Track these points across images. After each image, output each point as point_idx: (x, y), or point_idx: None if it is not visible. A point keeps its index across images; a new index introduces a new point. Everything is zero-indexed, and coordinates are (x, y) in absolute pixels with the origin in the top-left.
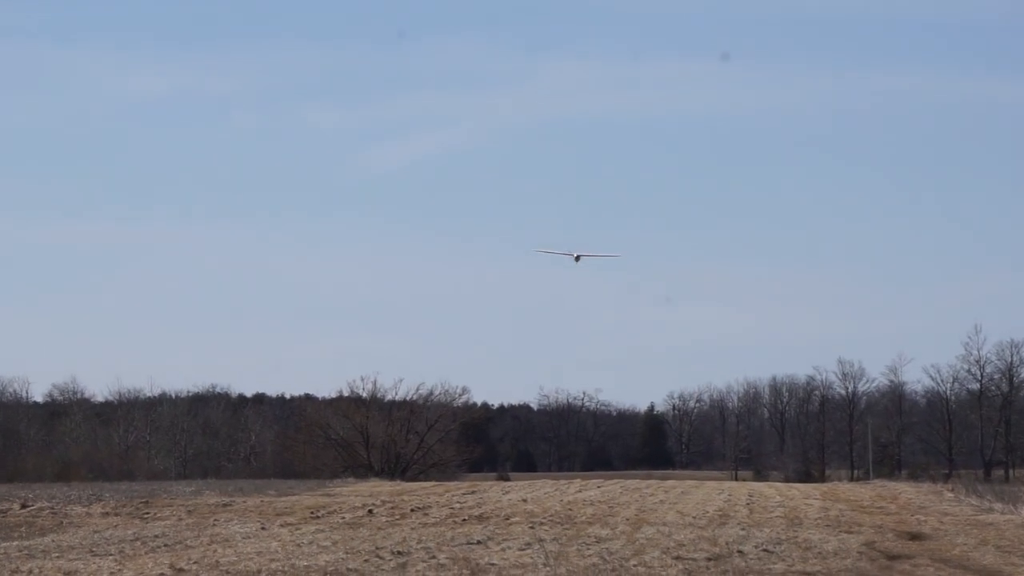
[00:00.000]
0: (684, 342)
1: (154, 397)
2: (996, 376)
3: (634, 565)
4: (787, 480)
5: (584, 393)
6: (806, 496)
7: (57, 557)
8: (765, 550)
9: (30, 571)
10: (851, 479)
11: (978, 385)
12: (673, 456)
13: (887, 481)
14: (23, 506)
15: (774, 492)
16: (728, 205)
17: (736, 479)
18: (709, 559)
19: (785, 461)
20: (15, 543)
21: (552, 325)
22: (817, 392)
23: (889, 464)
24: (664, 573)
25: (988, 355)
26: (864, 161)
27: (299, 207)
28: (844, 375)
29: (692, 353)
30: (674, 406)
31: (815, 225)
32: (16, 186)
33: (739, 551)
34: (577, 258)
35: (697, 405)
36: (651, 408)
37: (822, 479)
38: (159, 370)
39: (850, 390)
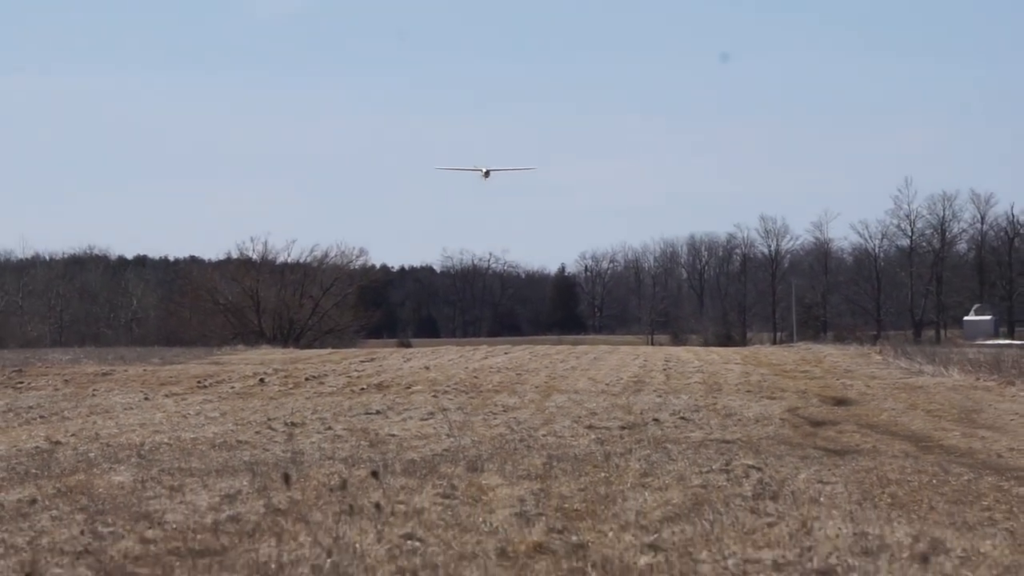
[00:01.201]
0: (596, 200)
1: (26, 259)
2: (927, 232)
3: (543, 435)
4: (706, 344)
5: (490, 254)
6: (726, 361)
7: None
8: (682, 418)
9: None
10: (774, 342)
11: (908, 241)
12: (585, 320)
13: (812, 344)
14: None
15: (692, 357)
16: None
17: (652, 344)
18: (623, 428)
19: (704, 324)
20: None
21: (455, 181)
22: (738, 251)
23: (814, 326)
24: (576, 443)
25: (919, 209)
26: (792, 5)
27: (182, 56)
28: (767, 232)
29: (605, 212)
30: (586, 267)
31: (736, 73)
32: None
33: (655, 419)
34: (486, 174)
35: (611, 266)
36: (562, 269)
37: (743, 343)
38: (31, 230)
39: (773, 248)
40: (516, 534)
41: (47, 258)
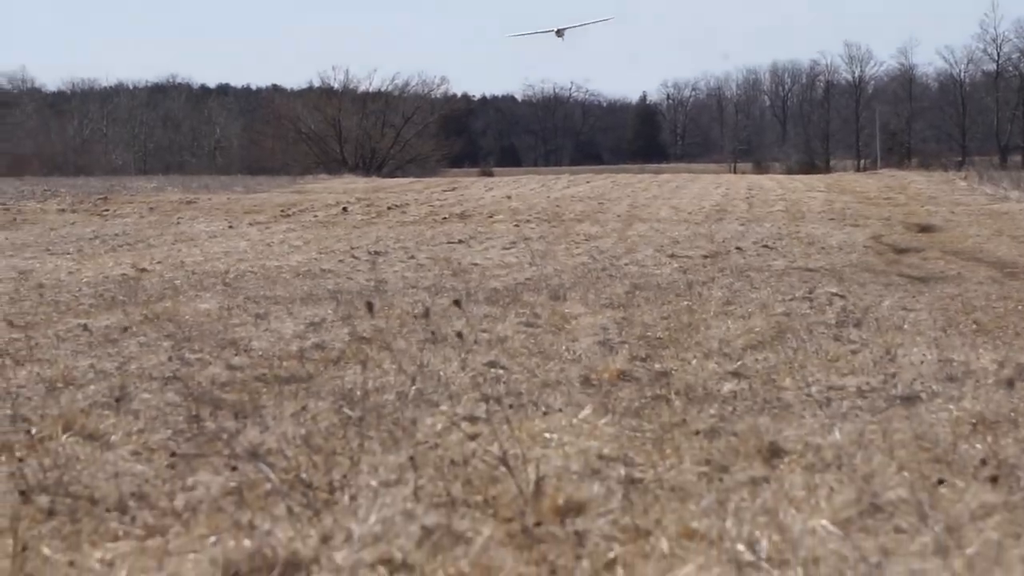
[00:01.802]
0: (679, 26)
1: (110, 87)
2: (1014, 56)
3: (625, 264)
4: (789, 172)
5: (572, 83)
6: (809, 188)
7: (11, 255)
8: (765, 246)
9: None
10: (857, 169)
11: (994, 66)
12: (667, 149)
13: (896, 171)
14: None
15: (775, 185)
16: None
17: (735, 172)
18: (705, 256)
19: (787, 152)
20: None
21: (538, 6)
22: (821, 78)
23: (898, 153)
24: (658, 271)
25: (1006, 33)
26: None
27: None
28: (850, 59)
29: (687, 39)
30: (668, 95)
31: None
32: None
33: (737, 248)
34: (559, 33)
35: (693, 94)
36: (643, 98)
37: (827, 170)
38: (115, 59)
39: (857, 75)
40: (599, 362)
41: (130, 87)
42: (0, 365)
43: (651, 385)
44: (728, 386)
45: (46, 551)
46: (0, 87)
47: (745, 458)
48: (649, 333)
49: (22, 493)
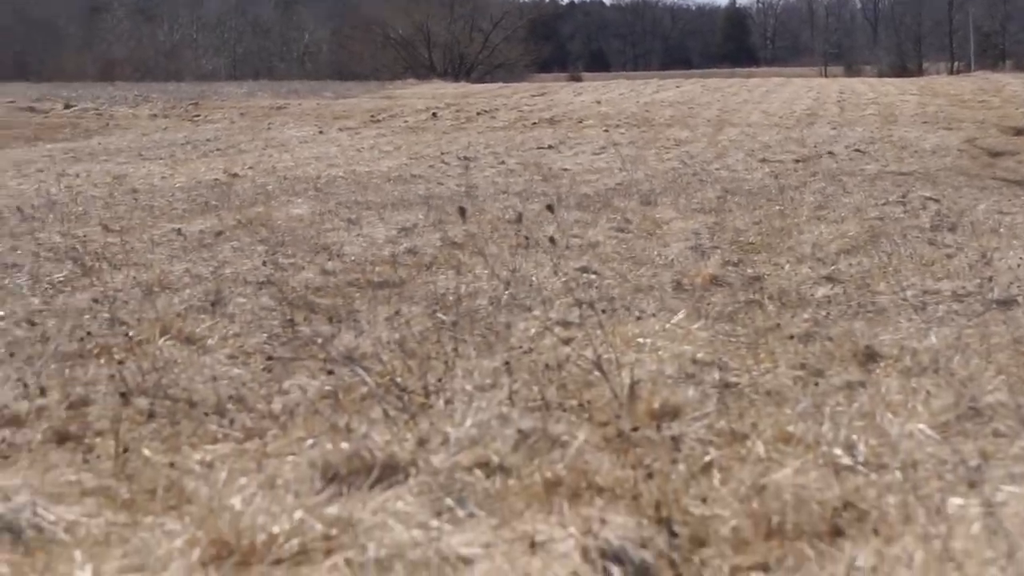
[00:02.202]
0: None
1: None
2: None
3: (716, 169)
4: (881, 75)
5: None
6: (901, 92)
7: (105, 160)
8: (857, 150)
9: (77, 174)
10: (951, 72)
11: None
12: (757, 52)
13: (990, 73)
14: (67, 106)
15: (867, 88)
16: None
17: (825, 76)
18: (797, 161)
19: (879, 55)
20: (60, 145)
21: None
22: None
23: (992, 55)
24: (749, 176)
25: None
26: None
27: None
28: None
29: None
30: None
31: None
32: None
33: (829, 152)
34: None
35: None
36: (732, 1)
37: (919, 73)
38: None
39: None
40: (691, 267)
41: None
42: (97, 269)
43: (744, 290)
44: (822, 291)
45: (147, 452)
46: None
47: (840, 362)
48: (741, 238)
49: (122, 395)
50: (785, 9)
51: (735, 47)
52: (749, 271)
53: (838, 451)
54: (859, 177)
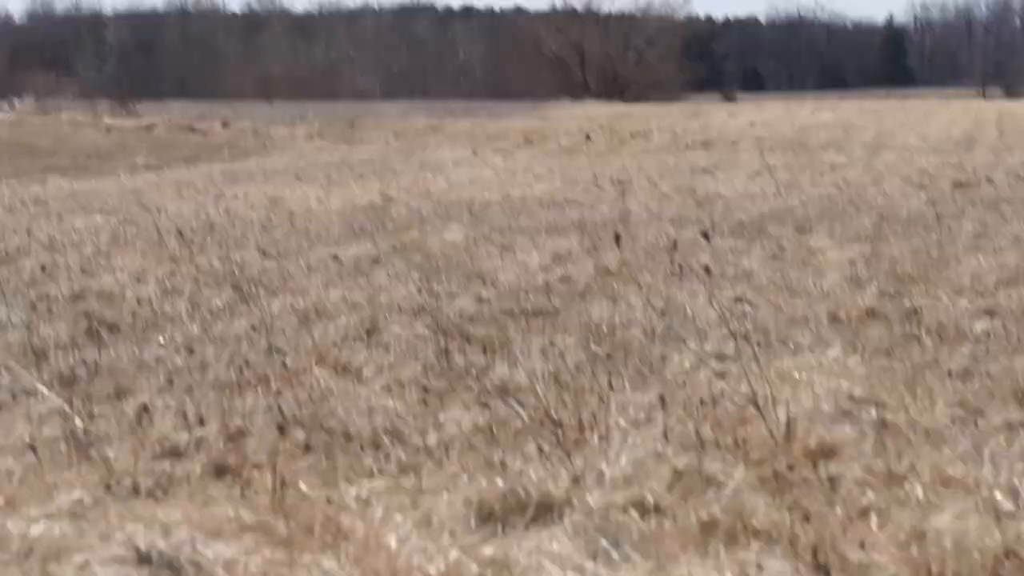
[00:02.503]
0: None
1: (356, 9)
2: None
3: (872, 194)
4: None
5: (816, 3)
6: None
7: (262, 182)
8: (1018, 176)
9: (235, 196)
10: None
11: None
12: (914, 73)
13: None
14: (224, 126)
15: None
16: None
17: (984, 97)
18: (955, 187)
19: None
20: (219, 166)
21: None
22: None
23: None
24: (905, 202)
25: None
26: None
27: None
28: None
29: None
30: (915, 16)
31: None
32: None
33: (988, 178)
34: None
35: (941, 15)
36: (890, 19)
37: None
38: None
39: None
40: (847, 298)
41: (376, 8)
42: (255, 295)
43: (901, 323)
44: (981, 324)
45: (304, 487)
46: (250, 8)
47: (1001, 401)
48: (898, 268)
49: (279, 427)
50: (943, 28)
51: (892, 66)
52: (906, 303)
53: (999, 495)
54: (1019, 205)
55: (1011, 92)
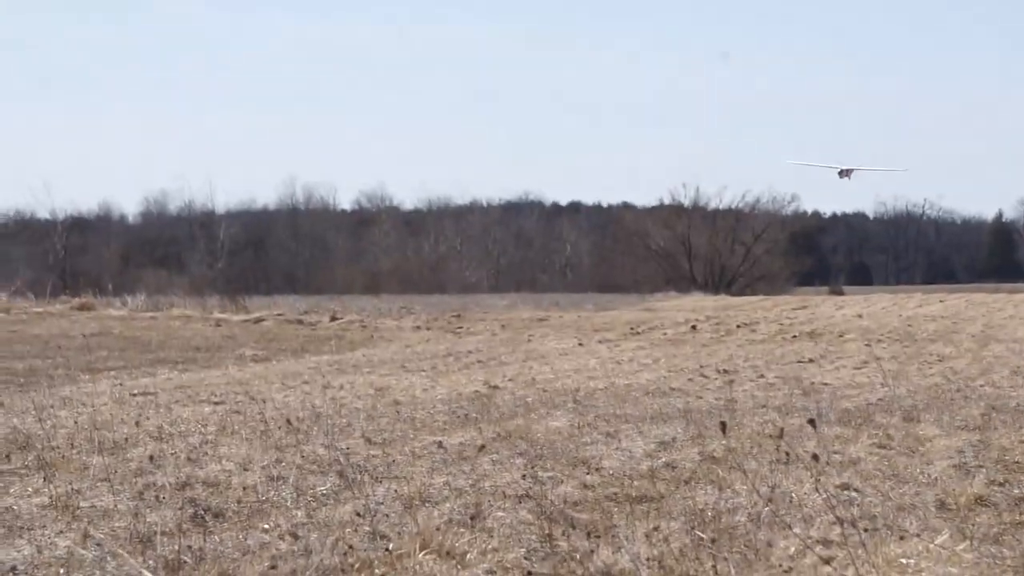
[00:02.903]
0: None
1: (464, 205)
2: None
3: (981, 385)
4: None
5: (925, 199)
6: None
7: (368, 372)
8: None
9: (341, 386)
10: None
11: None
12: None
13: None
14: (332, 319)
15: None
16: None
17: None
18: None
19: None
20: (326, 357)
21: (889, 126)
22: None
23: None
24: (1015, 393)
25: None
26: None
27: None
28: None
29: None
30: None
31: None
32: None
33: None
34: (843, 173)
35: None
36: (999, 215)
37: None
38: (469, 177)
39: None
40: (955, 485)
41: (484, 204)
42: (360, 481)
43: (1010, 511)
44: None
45: None
46: (360, 205)
47: None
48: (1007, 457)
49: None
50: None
51: (1001, 262)
52: (1015, 491)
53: None
54: None
55: None
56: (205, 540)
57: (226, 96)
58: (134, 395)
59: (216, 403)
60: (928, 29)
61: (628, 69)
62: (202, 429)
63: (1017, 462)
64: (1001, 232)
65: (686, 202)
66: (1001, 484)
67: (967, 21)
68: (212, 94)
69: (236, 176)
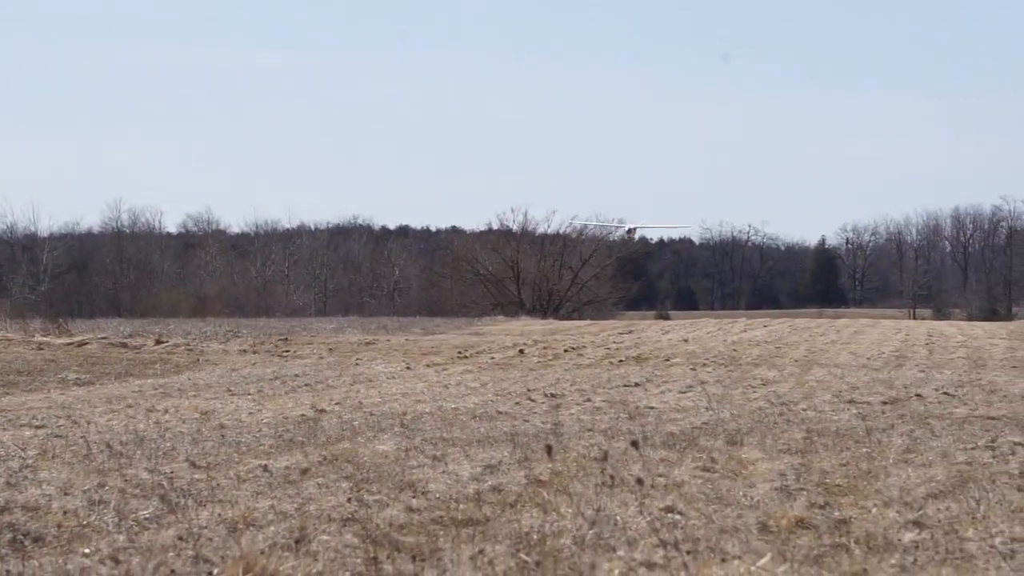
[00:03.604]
0: (857, 171)
1: (292, 229)
2: None
3: (803, 409)
4: (970, 319)
5: (749, 226)
6: (991, 335)
7: (193, 396)
8: (946, 393)
9: (166, 410)
10: None
11: None
12: (846, 293)
13: None
14: (158, 342)
15: (956, 332)
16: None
17: (914, 318)
18: (885, 403)
19: (968, 298)
20: (150, 380)
21: (713, 155)
22: (1004, 224)
23: None
24: (836, 417)
25: None
26: None
27: (450, 34)
28: None
29: (866, 183)
30: (847, 239)
31: (999, 46)
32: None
33: (917, 394)
34: (631, 232)
35: (872, 239)
36: (822, 242)
37: (1008, 317)
38: (297, 201)
39: None
40: (777, 508)
41: (312, 228)
42: (183, 506)
43: (830, 533)
44: (909, 536)
45: None
46: (187, 229)
47: None
48: (827, 480)
49: None
50: (875, 250)
51: (824, 287)
52: (836, 514)
53: None
54: (947, 420)
55: (940, 313)
56: (24, 565)
57: (50, 118)
58: None
59: (37, 427)
60: (759, 55)
61: (456, 95)
62: (22, 453)
63: (838, 485)
64: (824, 258)
65: (515, 227)
66: (822, 507)
67: (793, 48)
68: (36, 116)
69: (60, 200)
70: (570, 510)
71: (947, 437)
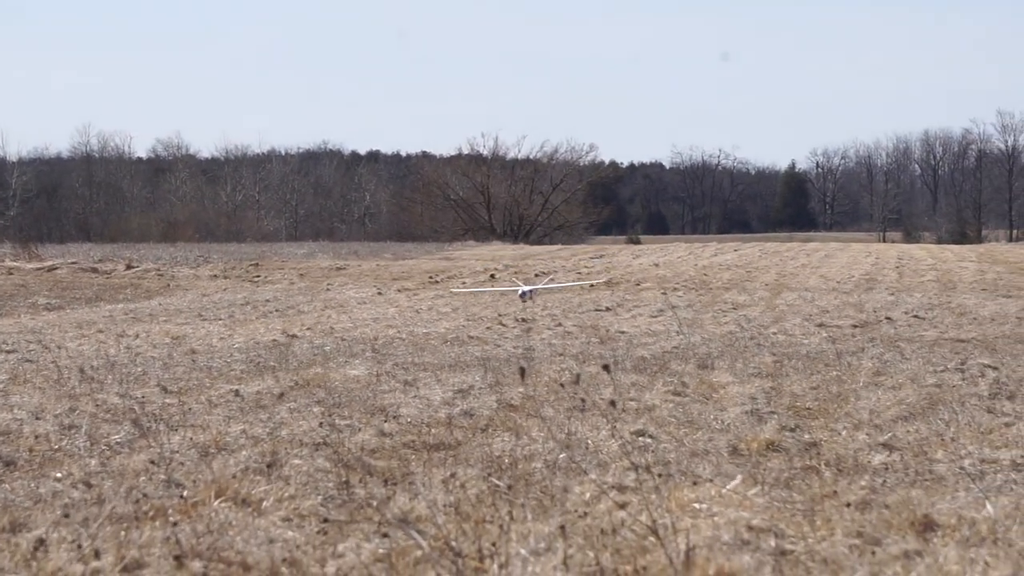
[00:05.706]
0: (827, 94)
1: (263, 154)
2: None
3: (774, 333)
4: (940, 242)
5: (720, 150)
6: (960, 258)
7: (164, 321)
8: (916, 316)
9: (137, 335)
10: (1010, 240)
11: None
12: (816, 217)
13: None
14: (128, 267)
15: (926, 255)
16: None
17: (884, 241)
18: (855, 326)
19: (938, 221)
20: (121, 305)
21: (684, 77)
22: (973, 146)
23: None
24: (806, 341)
25: None
26: None
27: None
28: (1003, 127)
29: (836, 106)
30: (817, 163)
31: None
32: None
33: (887, 317)
34: (524, 296)
35: (842, 162)
36: (792, 166)
37: (978, 240)
38: (268, 126)
39: (1010, 144)
40: (748, 432)
41: (282, 153)
42: (154, 430)
43: (800, 456)
44: (879, 457)
45: None
46: (156, 154)
47: (898, 531)
48: (798, 403)
49: (176, 558)
50: (844, 174)
51: (794, 211)
52: (806, 437)
53: None
54: (917, 343)
55: (910, 236)
56: None
57: (19, 42)
58: None
59: (8, 351)
60: None
61: (428, 21)
62: None
63: (808, 408)
64: (794, 182)
65: (485, 152)
66: (792, 430)
67: None
68: (4, 40)
69: (29, 124)
70: (542, 434)
71: (916, 360)
